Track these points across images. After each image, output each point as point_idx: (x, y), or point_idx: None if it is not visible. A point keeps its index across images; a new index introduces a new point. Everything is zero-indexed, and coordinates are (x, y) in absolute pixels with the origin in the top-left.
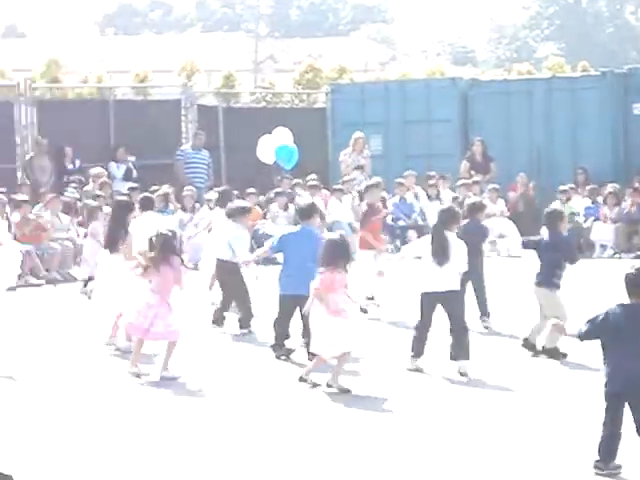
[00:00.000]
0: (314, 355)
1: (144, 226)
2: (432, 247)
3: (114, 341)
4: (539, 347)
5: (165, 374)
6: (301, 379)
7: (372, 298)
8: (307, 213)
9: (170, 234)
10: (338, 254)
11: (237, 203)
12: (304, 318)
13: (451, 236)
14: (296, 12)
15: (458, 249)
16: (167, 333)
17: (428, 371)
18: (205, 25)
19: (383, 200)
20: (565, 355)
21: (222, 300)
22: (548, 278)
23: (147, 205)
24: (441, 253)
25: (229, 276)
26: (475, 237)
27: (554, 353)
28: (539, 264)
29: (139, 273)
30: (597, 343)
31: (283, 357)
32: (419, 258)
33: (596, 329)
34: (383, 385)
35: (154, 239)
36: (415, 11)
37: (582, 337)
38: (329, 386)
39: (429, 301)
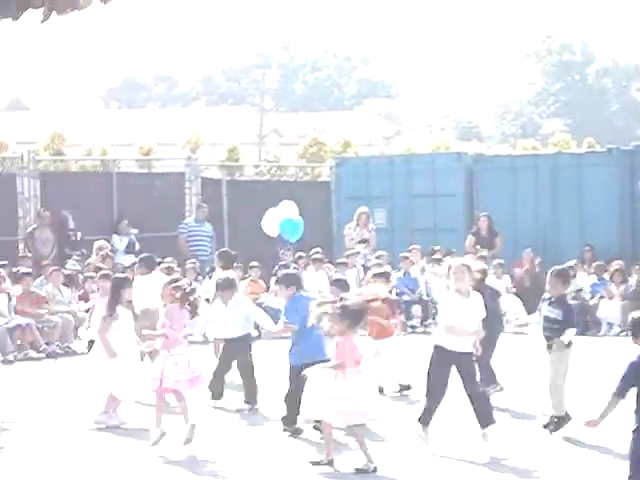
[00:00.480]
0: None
1: (148, 287)
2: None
3: (104, 417)
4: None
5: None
6: (321, 463)
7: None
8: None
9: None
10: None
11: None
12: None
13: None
14: (301, 86)
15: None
16: (184, 382)
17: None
18: (210, 99)
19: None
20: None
21: (216, 371)
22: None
23: (150, 265)
24: None
25: (240, 351)
26: (488, 299)
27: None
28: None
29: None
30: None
31: (289, 434)
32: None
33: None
34: (392, 463)
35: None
36: (420, 86)
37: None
38: (366, 468)
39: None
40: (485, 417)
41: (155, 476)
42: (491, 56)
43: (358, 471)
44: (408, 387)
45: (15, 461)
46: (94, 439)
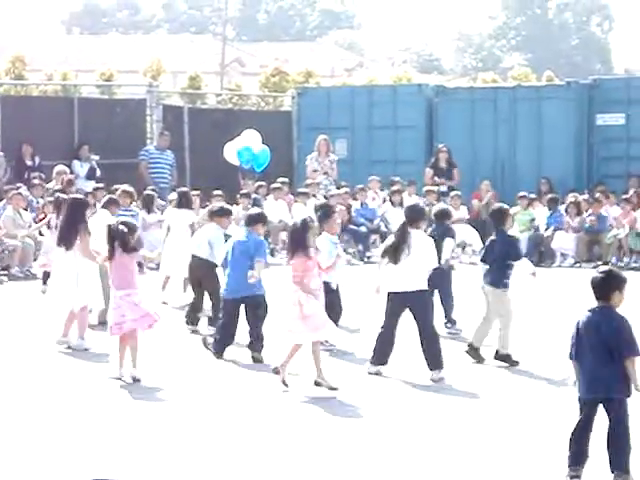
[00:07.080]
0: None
1: (102, 224)
2: (388, 245)
3: (66, 339)
4: (488, 353)
5: (133, 374)
6: (275, 370)
7: None
8: (254, 220)
9: (125, 227)
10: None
11: (219, 204)
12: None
13: (416, 234)
14: (263, 16)
15: (424, 246)
16: (140, 320)
17: (389, 375)
18: (172, 27)
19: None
20: (517, 363)
21: (194, 300)
22: (499, 277)
23: (110, 204)
24: (393, 252)
25: (205, 274)
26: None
27: (507, 359)
28: (489, 264)
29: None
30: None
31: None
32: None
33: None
34: (349, 389)
35: (111, 231)
36: (382, 18)
37: (570, 356)
38: (317, 384)
39: (396, 302)
40: (434, 360)
41: (104, 401)
42: None
43: (317, 384)
44: None
45: None
46: (58, 362)
